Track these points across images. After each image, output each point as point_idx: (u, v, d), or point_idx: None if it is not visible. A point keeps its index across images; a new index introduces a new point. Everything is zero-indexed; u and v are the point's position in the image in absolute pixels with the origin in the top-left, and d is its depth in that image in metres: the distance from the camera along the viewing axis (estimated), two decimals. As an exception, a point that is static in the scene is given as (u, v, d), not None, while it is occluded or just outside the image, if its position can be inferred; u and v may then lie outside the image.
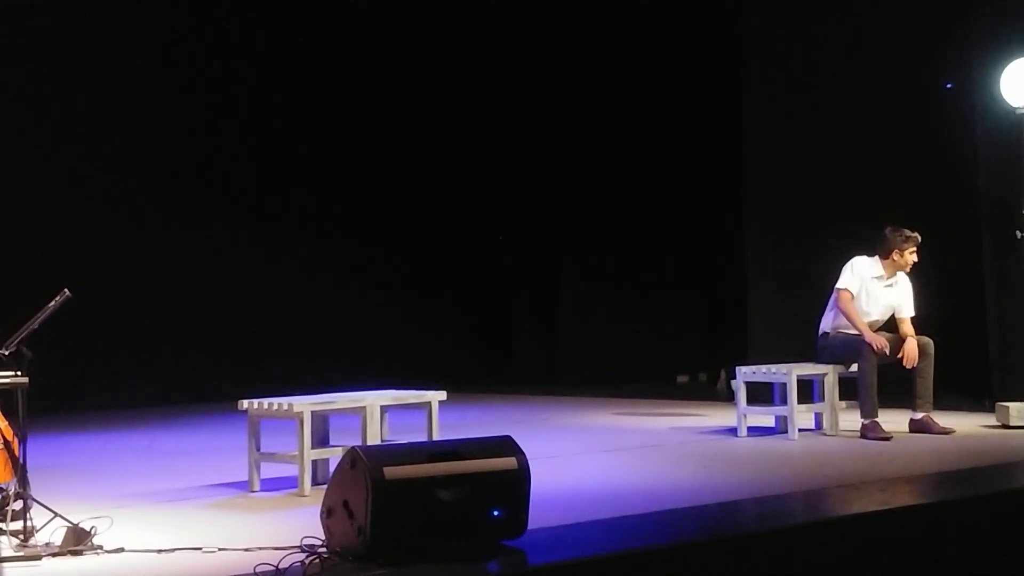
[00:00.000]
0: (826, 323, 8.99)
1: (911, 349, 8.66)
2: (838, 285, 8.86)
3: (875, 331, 8.75)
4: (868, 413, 8.55)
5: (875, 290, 8.87)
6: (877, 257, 8.90)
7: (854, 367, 8.74)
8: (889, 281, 8.88)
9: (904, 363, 8.68)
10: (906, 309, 8.91)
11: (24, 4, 11.35)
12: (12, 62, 11.36)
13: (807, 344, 9.21)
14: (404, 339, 13.38)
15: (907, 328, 8.84)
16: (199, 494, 6.76)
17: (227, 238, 12.63)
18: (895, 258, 8.83)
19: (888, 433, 8.46)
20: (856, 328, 8.73)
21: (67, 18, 11.70)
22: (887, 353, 8.64)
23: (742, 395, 8.87)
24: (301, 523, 5.33)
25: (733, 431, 8.96)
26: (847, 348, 8.77)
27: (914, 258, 8.85)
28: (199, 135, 12.55)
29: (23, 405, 5.32)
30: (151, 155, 12.20)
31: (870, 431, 8.49)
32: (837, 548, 5.40)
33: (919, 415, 8.67)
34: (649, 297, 13.72)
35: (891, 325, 8.93)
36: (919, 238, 8.83)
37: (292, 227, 13.13)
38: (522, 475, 4.93)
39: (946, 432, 8.53)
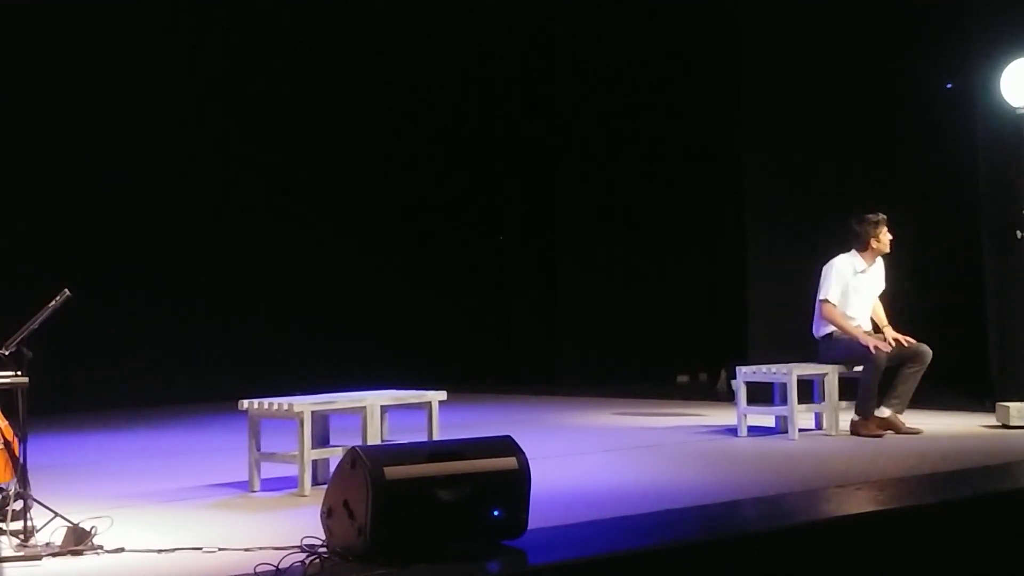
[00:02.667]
0: (826, 326, 8.95)
1: (893, 339, 8.69)
2: (821, 296, 8.82)
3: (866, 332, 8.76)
4: (865, 412, 8.55)
5: (859, 285, 8.85)
6: (854, 251, 8.88)
7: (857, 368, 8.72)
8: (871, 270, 8.88)
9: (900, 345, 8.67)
10: (879, 286, 8.94)
11: (25, 6, 11.36)
12: (11, 63, 11.35)
13: (807, 344, 9.19)
14: (404, 339, 13.38)
15: (879, 311, 8.88)
16: (199, 494, 6.76)
17: (227, 238, 12.61)
18: (874, 245, 8.82)
19: (880, 431, 8.46)
20: (849, 335, 8.71)
21: (66, 19, 11.70)
22: (889, 351, 8.62)
23: (742, 395, 8.87)
24: (301, 523, 5.33)
25: (733, 431, 8.96)
26: (854, 351, 8.73)
27: (890, 236, 8.83)
28: (197, 135, 12.54)
29: (23, 405, 5.32)
30: (151, 155, 12.19)
31: (862, 428, 8.49)
32: (837, 548, 5.40)
33: (887, 412, 8.64)
34: (649, 297, 13.71)
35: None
36: (885, 216, 8.81)
37: (292, 227, 13.11)
38: (522, 475, 4.93)
39: (914, 432, 8.53)
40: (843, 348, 8.81)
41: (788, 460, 7.77)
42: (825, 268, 8.87)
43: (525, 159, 14.43)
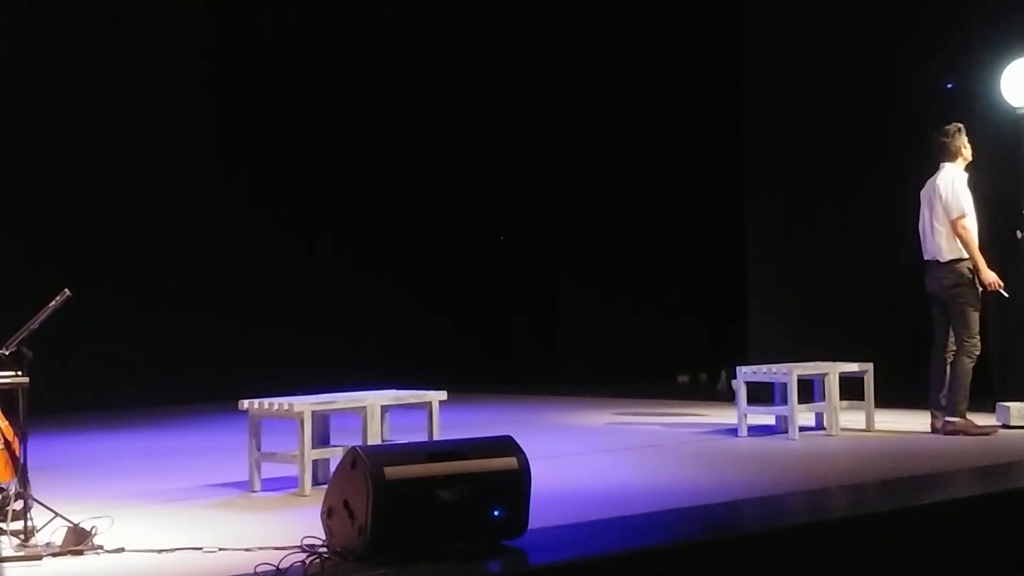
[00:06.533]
0: (955, 249, 8.43)
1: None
2: (957, 213, 8.33)
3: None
4: (962, 411, 8.38)
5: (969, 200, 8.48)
6: (948, 165, 8.53)
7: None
8: None
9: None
10: None
11: (24, 9, 11.37)
12: (10, 64, 11.35)
13: (807, 344, 9.18)
14: (405, 339, 13.38)
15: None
16: (199, 494, 6.76)
17: (228, 239, 12.62)
18: (964, 154, 8.55)
19: (990, 427, 8.41)
20: (974, 260, 8.37)
21: (64, 20, 11.71)
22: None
23: (742, 395, 8.86)
24: (301, 523, 5.34)
25: (733, 431, 8.96)
26: (972, 287, 8.35)
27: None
28: (197, 136, 12.55)
29: (23, 405, 5.33)
30: (150, 155, 12.20)
31: (971, 427, 8.33)
32: (837, 548, 5.41)
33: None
34: (650, 297, 13.70)
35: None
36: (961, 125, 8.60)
37: (293, 228, 13.12)
38: (522, 475, 4.93)
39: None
40: (968, 281, 8.38)
41: (788, 460, 7.77)
42: (945, 185, 8.43)
43: (527, 158, 14.42)
